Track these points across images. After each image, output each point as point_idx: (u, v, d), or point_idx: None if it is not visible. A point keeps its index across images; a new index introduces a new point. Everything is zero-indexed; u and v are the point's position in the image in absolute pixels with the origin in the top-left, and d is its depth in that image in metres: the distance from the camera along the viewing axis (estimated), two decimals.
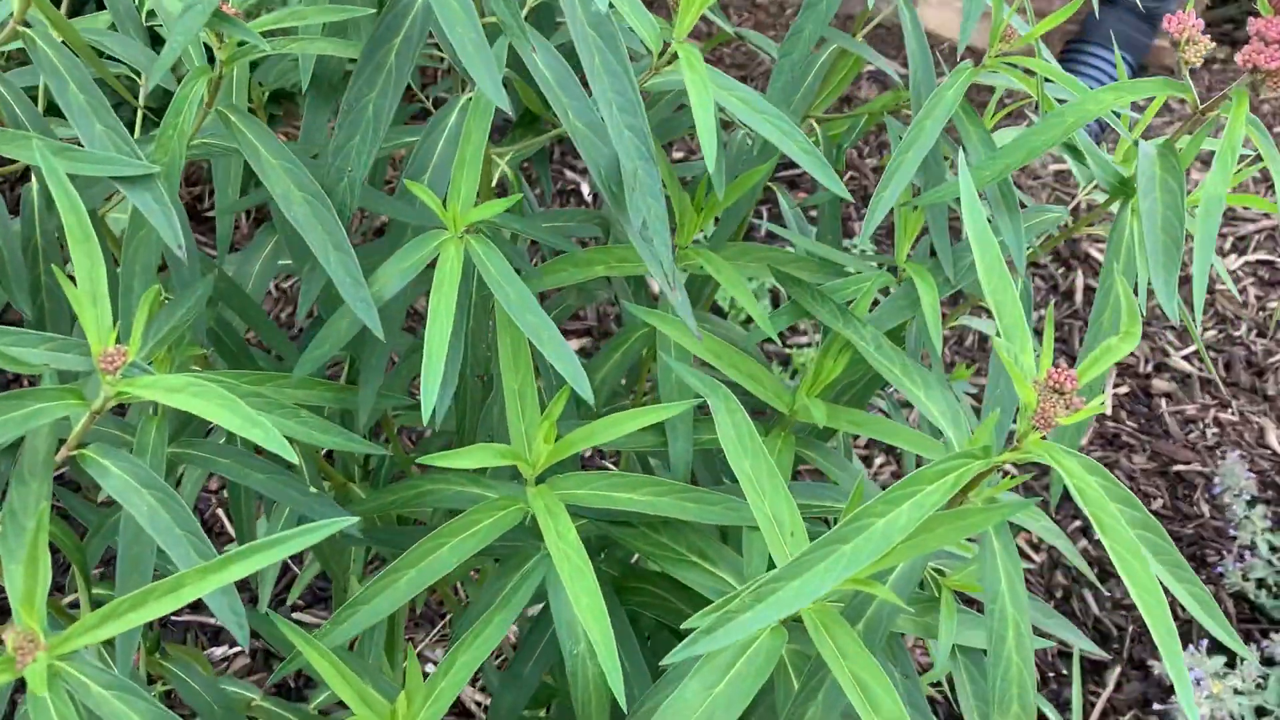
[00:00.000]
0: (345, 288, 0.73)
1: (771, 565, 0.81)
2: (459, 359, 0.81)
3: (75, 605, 0.92)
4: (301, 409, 0.72)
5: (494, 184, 0.95)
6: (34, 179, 0.79)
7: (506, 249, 0.89)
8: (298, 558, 1.76)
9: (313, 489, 0.83)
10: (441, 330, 0.73)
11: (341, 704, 0.85)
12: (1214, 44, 0.80)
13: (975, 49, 2.30)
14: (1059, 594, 2.03)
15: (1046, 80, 0.89)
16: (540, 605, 1.00)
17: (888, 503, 0.71)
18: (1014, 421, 0.80)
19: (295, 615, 1.85)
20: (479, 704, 1.77)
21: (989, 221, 0.88)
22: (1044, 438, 0.70)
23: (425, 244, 0.78)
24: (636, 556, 1.10)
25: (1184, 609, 0.75)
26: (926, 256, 0.98)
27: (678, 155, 2.58)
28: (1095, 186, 0.92)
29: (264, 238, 1.04)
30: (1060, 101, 0.89)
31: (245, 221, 2.30)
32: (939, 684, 1.79)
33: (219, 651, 1.82)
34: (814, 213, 1.51)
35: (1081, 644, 1.05)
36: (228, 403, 0.57)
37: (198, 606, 1.78)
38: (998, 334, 0.74)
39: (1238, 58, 0.73)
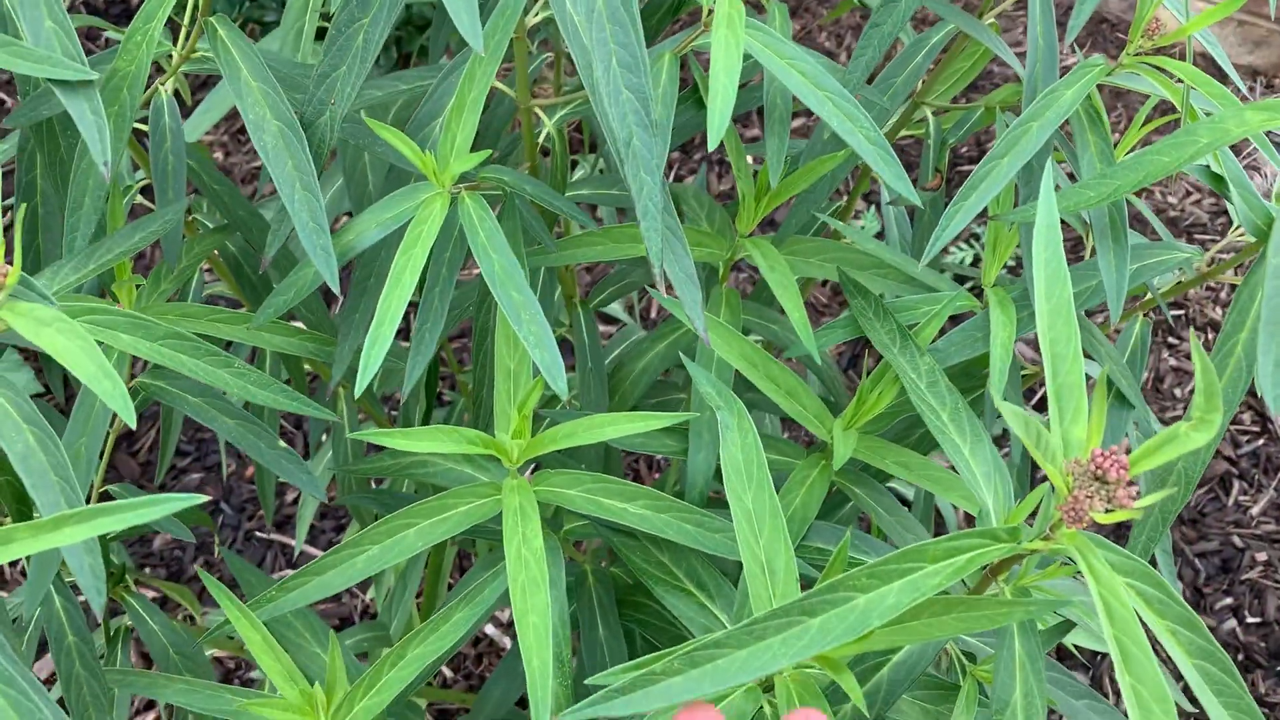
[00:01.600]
0: (305, 231, 0.65)
1: None
2: (438, 329, 0.72)
3: None
4: (238, 361, 0.65)
5: (539, 144, 0.86)
6: None
7: (529, 218, 0.80)
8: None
9: (281, 443, 0.77)
10: (401, 294, 0.65)
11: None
12: None
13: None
14: None
15: (1194, 88, 0.73)
16: None
17: (874, 577, 0.58)
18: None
19: None
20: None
21: (1092, 256, 0.73)
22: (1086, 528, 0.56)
23: (413, 196, 0.69)
24: None
25: None
26: (1023, 284, 0.83)
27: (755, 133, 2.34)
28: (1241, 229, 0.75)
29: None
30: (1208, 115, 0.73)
31: None
32: None
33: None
34: None
35: None
36: (85, 347, 0.51)
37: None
38: (1055, 395, 0.60)
39: None
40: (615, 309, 1.52)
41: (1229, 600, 1.87)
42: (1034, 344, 2.10)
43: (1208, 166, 0.75)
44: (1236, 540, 1.94)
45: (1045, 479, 0.57)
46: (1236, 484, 2.02)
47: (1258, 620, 1.86)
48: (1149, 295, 0.83)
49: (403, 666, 0.78)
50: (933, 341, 0.79)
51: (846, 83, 0.73)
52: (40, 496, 0.56)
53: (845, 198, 1.07)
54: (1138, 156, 0.68)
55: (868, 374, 0.81)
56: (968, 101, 0.99)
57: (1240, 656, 1.82)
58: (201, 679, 0.83)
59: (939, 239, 0.72)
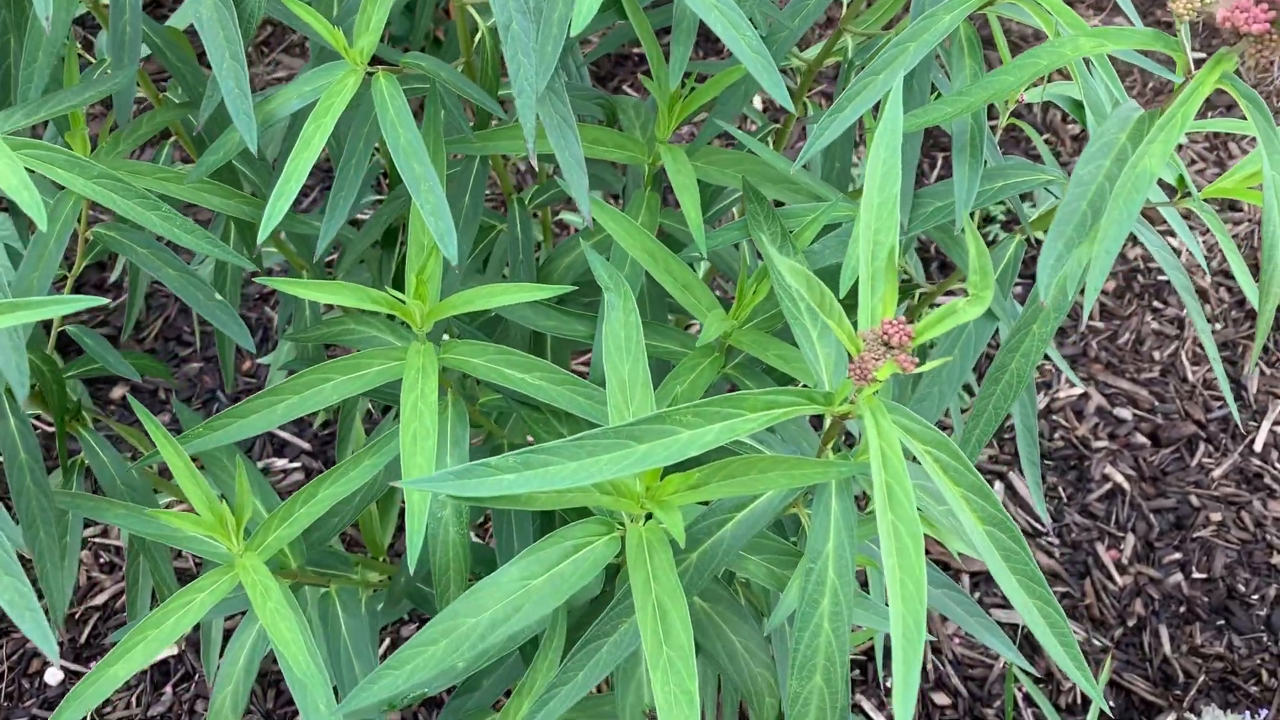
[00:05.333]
0: (231, 97, 0.73)
1: None
2: (353, 195, 0.80)
3: None
4: (165, 206, 0.74)
5: (474, 43, 0.93)
6: None
7: (453, 107, 0.87)
8: None
9: (219, 296, 0.85)
10: (308, 157, 0.73)
11: None
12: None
13: None
14: (1132, 623, 1.87)
15: (1059, 19, 0.78)
16: None
17: (699, 415, 0.66)
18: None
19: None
20: None
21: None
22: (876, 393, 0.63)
23: (330, 73, 0.77)
24: None
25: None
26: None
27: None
28: None
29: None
30: None
31: None
32: None
33: (279, 464, 1.94)
34: None
35: (1009, 655, 0.96)
36: (11, 165, 0.59)
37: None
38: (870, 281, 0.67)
39: (1218, 15, 0.62)
40: (577, 219, 1.58)
41: (1178, 555, 1.93)
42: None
43: (1074, 99, 0.81)
44: (1194, 499, 1.99)
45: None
46: (1202, 446, 2.06)
47: (1204, 576, 1.91)
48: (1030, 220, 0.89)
49: (315, 503, 0.87)
50: (810, 244, 0.85)
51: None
52: None
53: (782, 122, 1.14)
54: (988, 77, 0.74)
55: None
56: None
57: (1182, 609, 1.87)
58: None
59: (811, 146, 0.78)
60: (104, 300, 0.58)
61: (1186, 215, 1.99)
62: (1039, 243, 0.71)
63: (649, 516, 0.75)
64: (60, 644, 1.75)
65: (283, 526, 0.87)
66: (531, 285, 0.81)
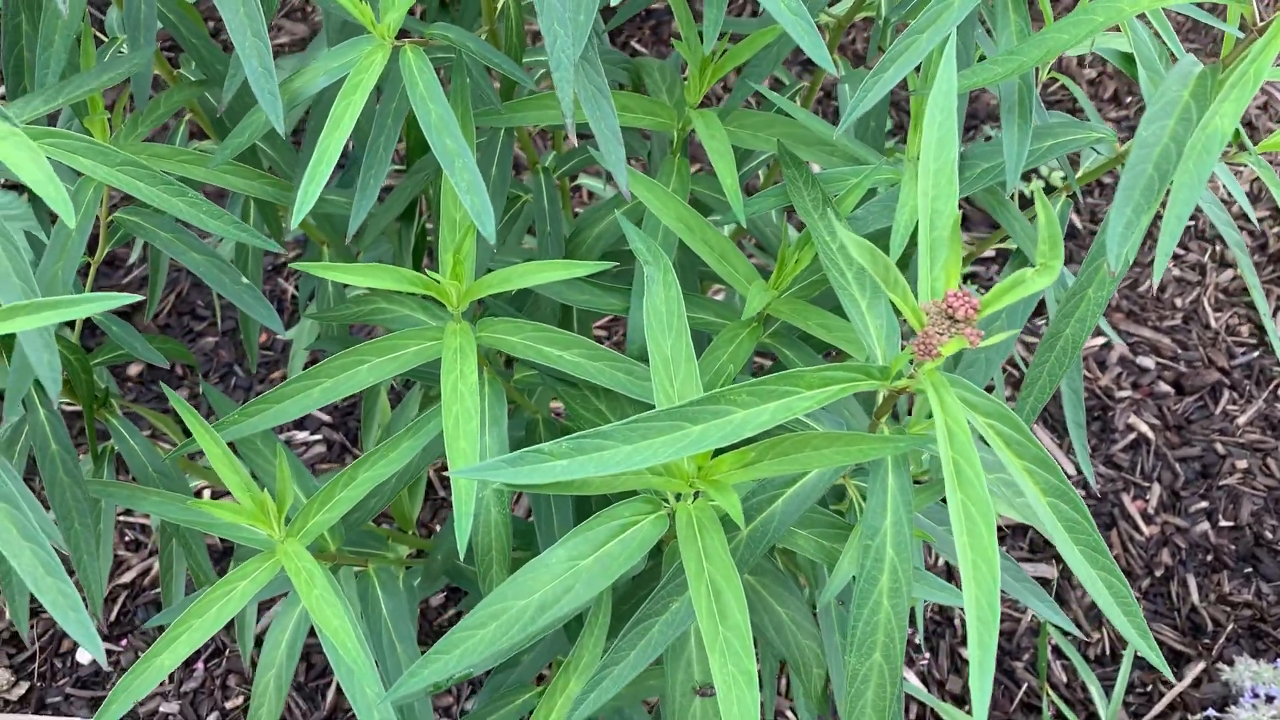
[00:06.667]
0: (255, 76, 0.71)
1: None
2: (383, 172, 0.78)
3: None
4: (191, 191, 0.72)
5: (497, 9, 0.90)
6: None
7: (480, 79, 0.84)
8: None
9: (245, 280, 0.83)
10: (340, 136, 0.70)
11: None
12: None
13: None
14: (1159, 573, 1.87)
15: None
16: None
17: (754, 395, 0.64)
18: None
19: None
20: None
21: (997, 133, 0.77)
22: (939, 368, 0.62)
23: (355, 48, 0.74)
24: None
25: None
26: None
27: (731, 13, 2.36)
28: None
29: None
30: None
31: None
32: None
33: (300, 436, 1.93)
34: None
35: (1054, 618, 0.95)
36: (35, 158, 0.57)
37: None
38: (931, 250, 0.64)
39: None
40: (594, 184, 1.55)
41: (1204, 504, 1.92)
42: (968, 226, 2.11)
43: (1125, 52, 0.78)
44: (1219, 447, 1.98)
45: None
46: (1226, 394, 2.05)
47: (1230, 524, 1.90)
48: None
49: (354, 487, 0.86)
50: (853, 210, 0.83)
51: None
52: (2, 296, 0.63)
53: (809, 82, 1.11)
54: (1040, 34, 0.72)
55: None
56: None
57: (1209, 558, 1.87)
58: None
59: (855, 108, 0.76)
60: (137, 298, 0.56)
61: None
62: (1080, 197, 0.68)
63: (696, 494, 0.74)
64: (110, 622, 1.75)
65: (322, 511, 0.86)
66: (569, 263, 0.79)
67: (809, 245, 0.82)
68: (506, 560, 0.91)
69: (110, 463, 0.96)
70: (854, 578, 0.73)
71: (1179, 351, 2.09)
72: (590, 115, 0.74)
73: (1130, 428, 2.00)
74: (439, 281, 0.80)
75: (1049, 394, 0.78)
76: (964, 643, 1.79)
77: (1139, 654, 1.73)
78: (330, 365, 0.86)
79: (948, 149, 0.65)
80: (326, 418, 1.94)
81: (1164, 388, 2.05)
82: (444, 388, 0.80)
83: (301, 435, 1.93)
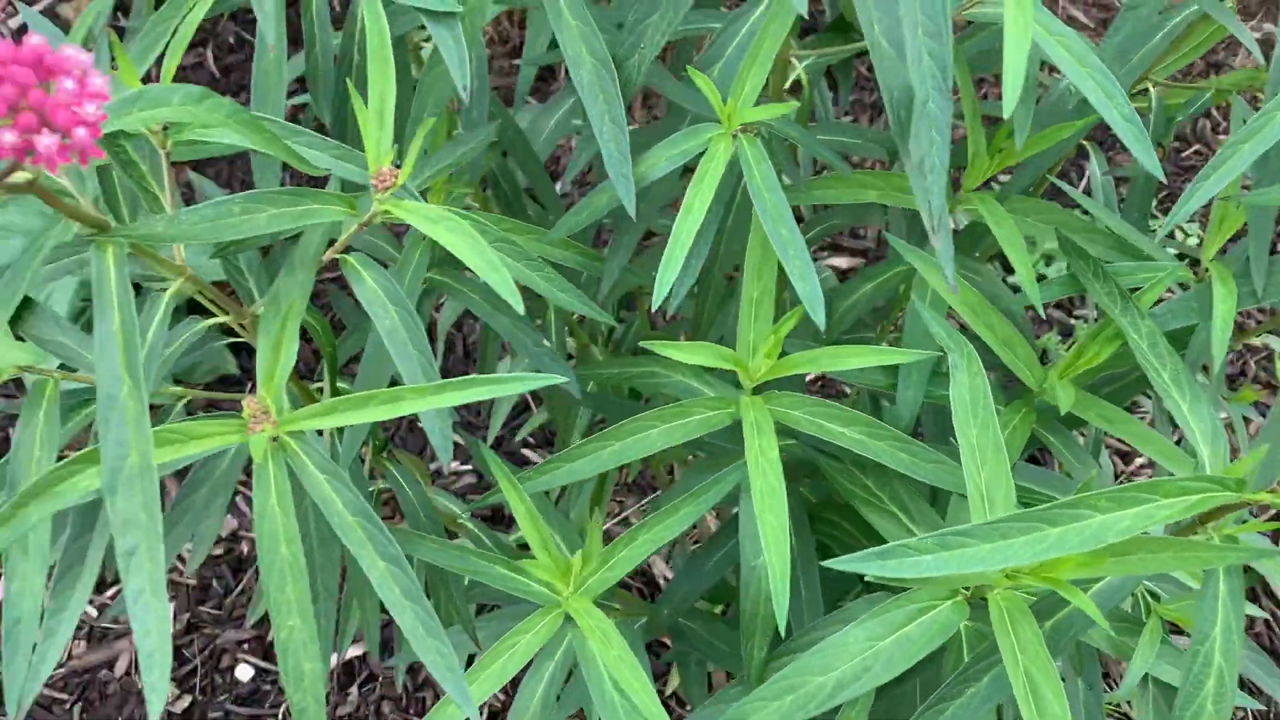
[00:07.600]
0: (611, 161, 0.74)
1: None
2: (704, 253, 0.81)
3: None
4: (548, 265, 0.75)
5: (787, 86, 0.93)
6: None
7: (780, 155, 0.87)
8: (535, 401, 1.86)
9: (547, 343, 0.87)
10: (692, 223, 0.73)
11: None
12: None
13: None
14: None
15: None
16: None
17: (1112, 500, 0.66)
18: None
19: (524, 450, 1.95)
20: (667, 580, 1.82)
21: None
22: None
23: (697, 135, 0.77)
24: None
25: None
26: (1239, 261, 0.88)
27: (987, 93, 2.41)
28: None
29: (564, 96, 1.06)
30: None
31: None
32: (1120, 706, 1.69)
33: (452, 465, 1.96)
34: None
35: None
36: (474, 243, 0.60)
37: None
38: None
39: None
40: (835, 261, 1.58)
41: None
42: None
43: None
44: None
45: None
46: None
47: None
48: None
49: (634, 547, 0.89)
50: (1150, 308, 0.84)
51: (1102, 59, 0.78)
52: (402, 366, 0.66)
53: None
54: None
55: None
56: (1185, 79, 1.03)
57: None
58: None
59: (1177, 214, 0.78)
60: (564, 378, 0.59)
61: None
62: None
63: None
64: (269, 643, 1.78)
65: (604, 569, 0.88)
66: (881, 350, 0.81)
67: (1108, 340, 0.84)
68: (770, 631, 0.92)
69: (377, 506, 1.00)
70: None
71: None
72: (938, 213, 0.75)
73: None
74: (745, 360, 0.82)
75: None
76: None
77: None
78: (621, 429, 0.88)
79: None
80: None
81: None
82: (749, 461, 0.82)
83: (454, 465, 1.96)
